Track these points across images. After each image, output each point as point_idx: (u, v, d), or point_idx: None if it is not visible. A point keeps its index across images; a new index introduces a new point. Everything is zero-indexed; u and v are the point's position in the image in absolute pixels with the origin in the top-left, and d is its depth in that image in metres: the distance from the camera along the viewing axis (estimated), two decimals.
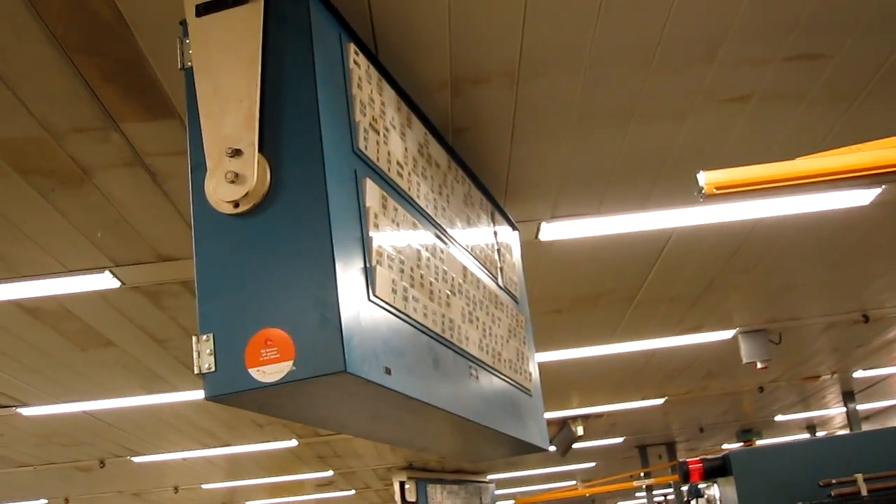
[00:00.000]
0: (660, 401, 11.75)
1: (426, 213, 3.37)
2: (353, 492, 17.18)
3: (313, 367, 2.39)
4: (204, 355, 2.50)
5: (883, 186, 5.46)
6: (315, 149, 2.59)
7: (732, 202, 3.26)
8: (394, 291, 2.84)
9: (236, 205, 2.59)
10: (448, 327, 3.31)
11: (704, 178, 3.32)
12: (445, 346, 3.26)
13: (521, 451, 4.55)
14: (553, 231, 5.42)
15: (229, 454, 11.74)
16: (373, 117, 3.00)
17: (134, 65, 3.52)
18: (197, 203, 2.66)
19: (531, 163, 4.63)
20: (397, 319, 2.84)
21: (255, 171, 2.57)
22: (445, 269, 3.44)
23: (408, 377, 2.82)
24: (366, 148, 2.88)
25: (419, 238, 3.22)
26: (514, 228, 4.91)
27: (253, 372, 2.44)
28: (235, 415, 9.55)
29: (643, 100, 4.18)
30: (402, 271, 2.95)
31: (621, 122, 4.35)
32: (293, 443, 11.21)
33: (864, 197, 5.56)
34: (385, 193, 2.96)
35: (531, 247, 5.59)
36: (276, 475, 13.88)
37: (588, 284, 6.80)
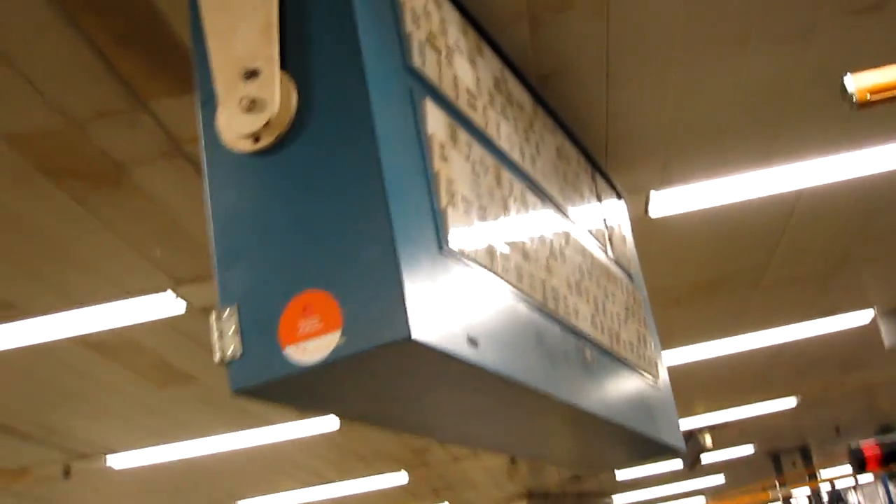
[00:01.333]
0: (792, 401, 10.82)
1: (510, 158, 2.71)
2: None
3: (369, 336, 1.77)
4: (227, 336, 1.91)
5: None
6: (354, 59, 1.97)
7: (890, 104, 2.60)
8: (476, 242, 2.18)
9: (256, 139, 2.02)
10: (552, 296, 2.64)
11: (853, 82, 2.62)
12: (549, 319, 2.58)
13: (651, 453, 3.83)
14: (665, 202, 4.70)
15: (338, 495, 11.16)
16: (430, 31, 2.37)
17: (148, 21, 2.95)
18: (209, 146, 2.10)
19: (633, 113, 3.94)
20: (483, 278, 2.18)
21: (276, 92, 1.99)
22: (541, 228, 2.77)
23: (502, 352, 2.15)
24: (423, 65, 2.24)
25: (504, 185, 2.56)
26: (620, 197, 4.22)
27: (291, 350, 1.83)
28: (337, 449, 8.97)
29: (759, 18, 3.46)
30: (484, 219, 2.29)
31: (735, 49, 3.64)
32: (403, 477, 10.58)
33: None
34: (454, 123, 2.31)
35: (641, 225, 4.88)
36: None
37: (707, 268, 6.04)
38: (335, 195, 1.89)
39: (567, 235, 3.03)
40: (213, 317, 1.92)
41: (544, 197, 2.94)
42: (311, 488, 10.65)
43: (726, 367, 8.70)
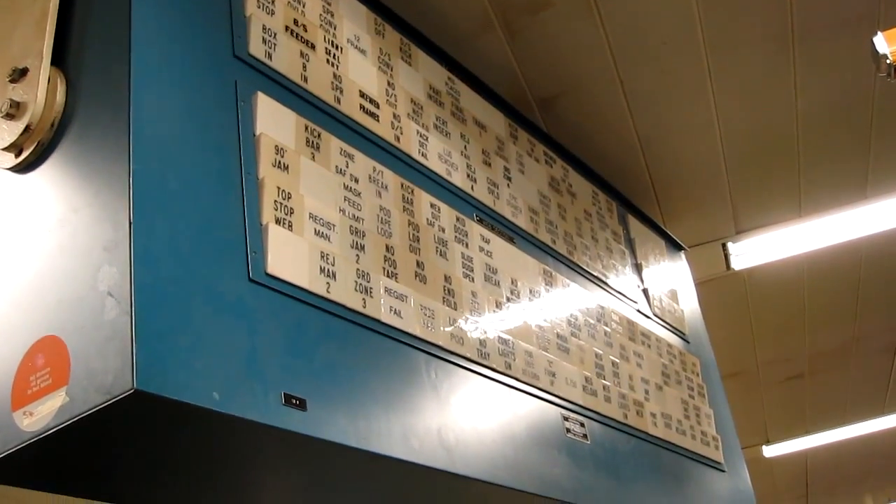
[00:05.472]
0: None
1: (442, 179, 2.15)
2: None
3: (94, 390, 1.24)
4: None
5: None
6: (122, 44, 1.47)
7: None
8: (326, 273, 1.61)
9: (19, 151, 1.53)
10: (491, 350, 2.03)
11: (886, 42, 2.02)
12: (479, 373, 1.96)
13: None
14: (745, 252, 4.00)
15: None
16: (293, 19, 1.85)
17: None
18: None
19: (671, 137, 3.31)
20: (335, 318, 1.61)
21: (39, 91, 1.52)
22: (492, 263, 2.18)
23: (353, 418, 1.55)
24: (268, 56, 1.72)
25: (421, 208, 1.99)
26: (678, 247, 3.57)
27: (18, 416, 1.33)
28: None
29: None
30: (357, 246, 1.73)
31: (778, 45, 2.99)
32: None
33: None
34: (317, 127, 1.77)
35: (727, 282, 4.19)
36: None
37: (826, 331, 5.21)
38: (90, 212, 1.38)
39: (549, 278, 2.42)
40: None
41: (510, 231, 2.35)
42: None
43: (885, 449, 7.68)
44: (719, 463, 3.03)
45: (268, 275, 1.49)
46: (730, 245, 3.97)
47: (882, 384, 6.23)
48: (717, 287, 4.12)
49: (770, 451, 6.92)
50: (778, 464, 7.20)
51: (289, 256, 1.54)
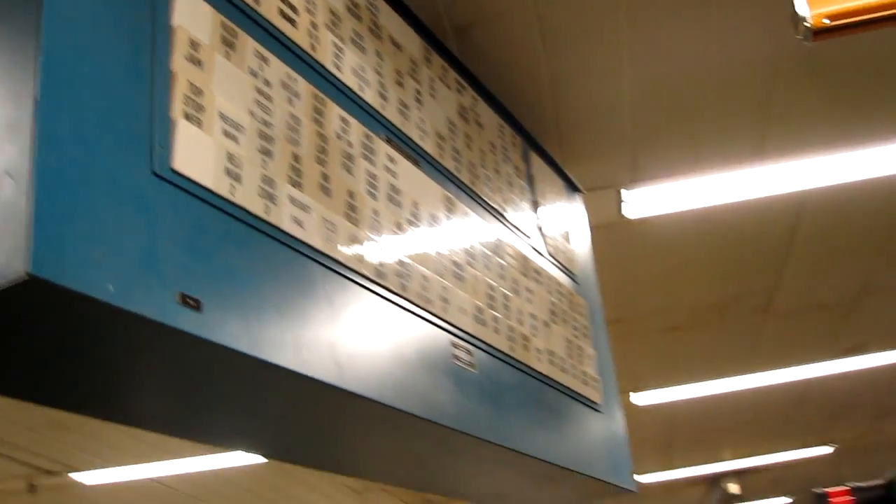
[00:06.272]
0: (828, 450, 9.98)
1: (353, 93, 2.11)
2: None
3: None
4: None
5: None
6: None
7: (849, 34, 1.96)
8: (231, 175, 1.57)
9: None
10: (389, 271, 2.02)
11: (806, 4, 2.05)
12: (375, 292, 1.95)
13: (586, 493, 3.18)
14: (642, 200, 4.05)
15: None
16: None
17: None
18: None
19: (582, 82, 3.31)
20: (237, 221, 1.57)
21: None
22: (396, 184, 2.16)
23: (250, 323, 1.53)
24: None
25: (330, 121, 1.95)
26: (576, 188, 3.59)
27: None
28: (325, 478, 8.33)
29: None
30: (264, 151, 1.68)
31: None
32: None
33: None
34: (235, 27, 1.71)
35: (618, 229, 4.24)
36: None
37: (707, 286, 5.34)
38: None
39: (450, 205, 2.41)
40: None
41: (416, 155, 2.33)
42: None
43: (747, 407, 7.93)
44: (597, 404, 3.09)
45: (172, 170, 1.44)
46: (624, 192, 4.00)
47: (753, 343, 6.43)
48: (609, 233, 4.17)
49: (638, 398, 7.09)
50: (645, 412, 7.37)
51: (195, 154, 1.49)
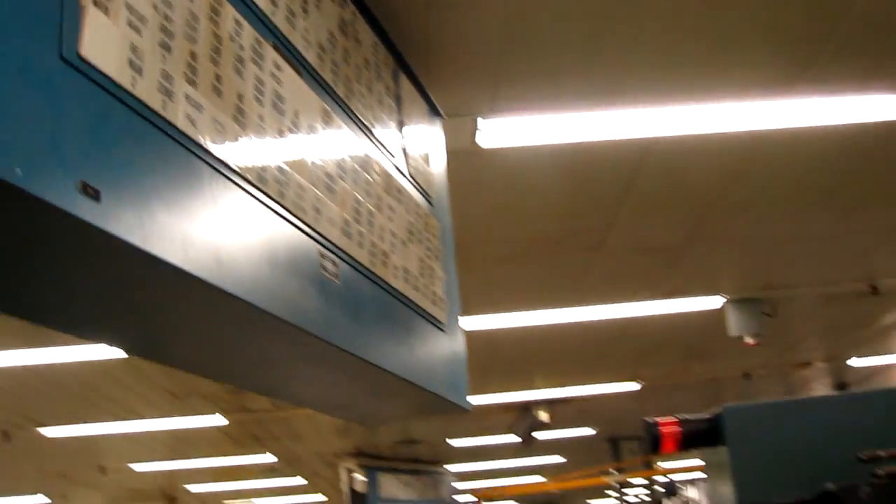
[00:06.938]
0: (635, 386, 10.47)
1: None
2: (304, 481, 15.85)
3: None
4: None
5: None
6: None
7: None
8: (133, 67, 1.56)
9: None
10: (269, 176, 2.04)
11: None
12: (255, 196, 1.98)
13: (426, 408, 3.30)
14: (493, 132, 4.14)
15: (153, 431, 10.42)
16: None
17: None
18: None
19: (453, 8, 3.35)
20: (136, 115, 1.57)
21: None
22: (281, 91, 2.18)
23: (147, 216, 1.54)
24: None
25: (225, 24, 1.95)
26: (437, 113, 3.65)
27: None
28: (144, 381, 8.26)
29: None
30: (165, 46, 1.68)
31: None
32: (220, 420, 9.87)
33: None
34: None
35: (469, 157, 4.32)
36: (211, 457, 12.53)
37: (547, 220, 5.51)
38: None
39: (327, 117, 2.44)
40: None
41: (299, 64, 2.34)
42: (122, 422, 9.89)
43: (566, 339, 8.25)
44: (443, 323, 3.19)
45: (80, 57, 1.43)
46: (480, 121, 4.09)
47: (581, 280, 6.68)
48: (461, 160, 4.25)
49: (463, 322, 7.24)
50: (469, 337, 7.55)
51: (102, 42, 1.48)
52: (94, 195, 1.41)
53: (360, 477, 12.74)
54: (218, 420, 9.85)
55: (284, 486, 16.05)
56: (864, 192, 5.54)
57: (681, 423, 2.79)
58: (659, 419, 2.80)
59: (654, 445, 2.81)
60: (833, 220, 5.97)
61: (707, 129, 4.34)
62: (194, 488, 16.09)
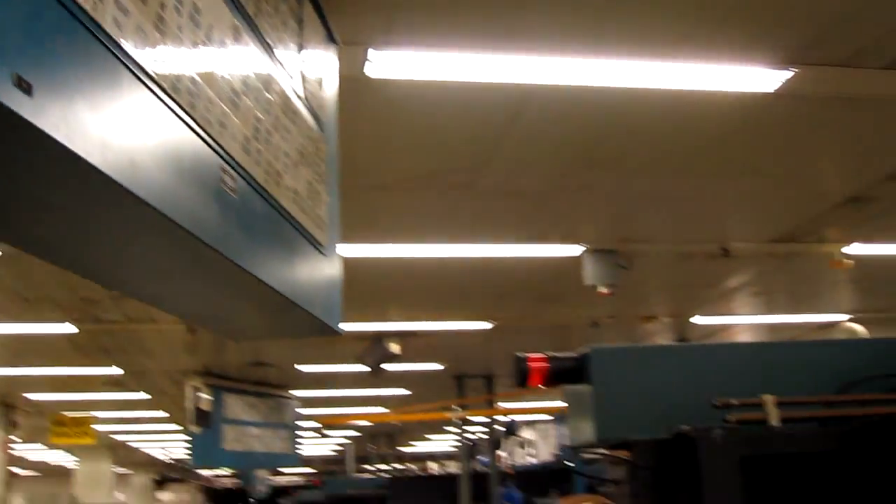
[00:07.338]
0: (487, 325, 10.70)
1: None
2: (148, 396, 15.71)
3: None
4: None
5: (795, 70, 4.42)
6: None
7: None
8: None
9: None
10: (183, 87, 2.07)
11: None
12: (169, 106, 2.00)
13: (300, 328, 3.38)
14: (383, 63, 4.19)
15: None
16: None
17: None
18: None
19: None
20: (69, 14, 1.59)
21: None
22: (198, 3, 2.19)
23: (74, 115, 1.57)
24: None
25: None
26: (333, 39, 3.67)
27: None
28: None
29: None
30: None
31: None
32: (69, 328, 9.70)
33: (770, 81, 4.51)
34: None
35: (356, 85, 4.35)
36: (56, 366, 12.29)
37: (424, 155, 5.59)
38: None
39: (237, 34, 2.47)
40: None
41: None
42: None
43: (426, 275, 8.40)
44: (324, 247, 3.25)
45: None
46: (371, 52, 4.13)
47: (450, 217, 6.81)
48: (347, 88, 4.28)
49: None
50: None
51: None
52: (27, 89, 1.43)
53: (205, 395, 12.72)
54: (67, 328, 9.68)
55: (127, 400, 15.87)
56: (725, 160, 5.80)
57: (549, 359, 2.92)
58: (528, 355, 2.93)
59: (521, 378, 2.94)
60: (694, 183, 6.24)
61: (587, 82, 4.48)
62: (34, 397, 15.79)
